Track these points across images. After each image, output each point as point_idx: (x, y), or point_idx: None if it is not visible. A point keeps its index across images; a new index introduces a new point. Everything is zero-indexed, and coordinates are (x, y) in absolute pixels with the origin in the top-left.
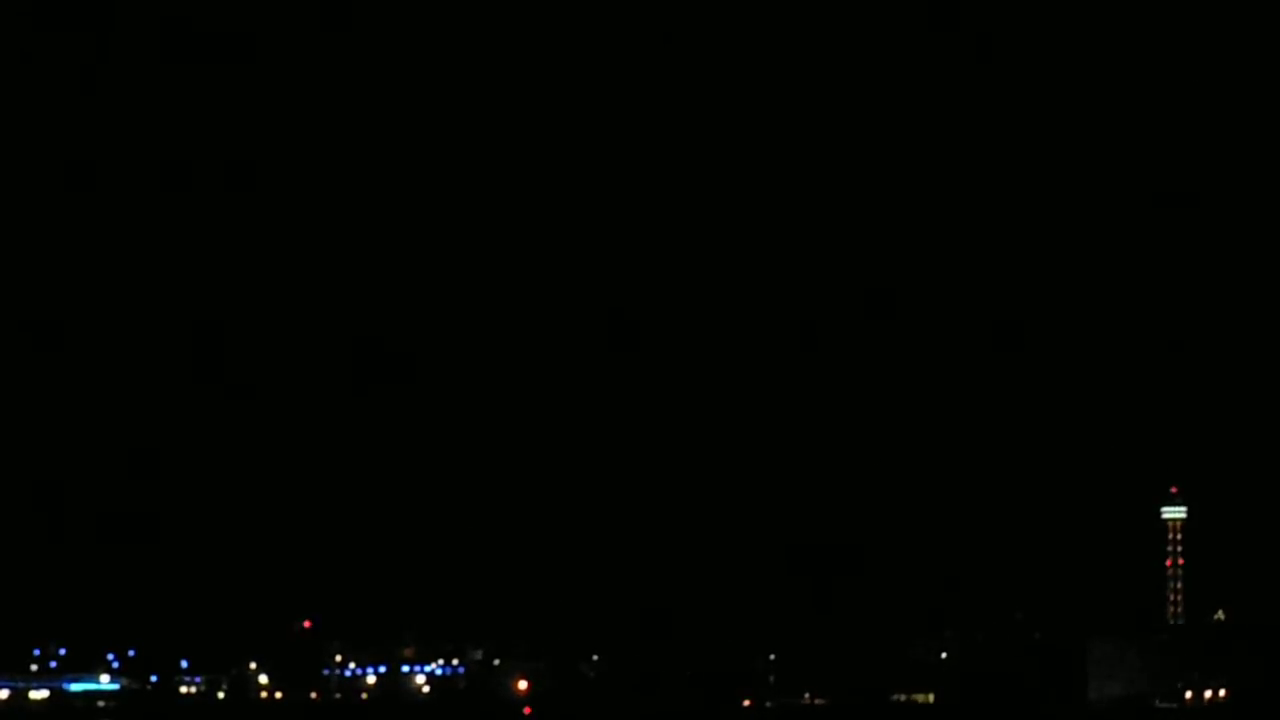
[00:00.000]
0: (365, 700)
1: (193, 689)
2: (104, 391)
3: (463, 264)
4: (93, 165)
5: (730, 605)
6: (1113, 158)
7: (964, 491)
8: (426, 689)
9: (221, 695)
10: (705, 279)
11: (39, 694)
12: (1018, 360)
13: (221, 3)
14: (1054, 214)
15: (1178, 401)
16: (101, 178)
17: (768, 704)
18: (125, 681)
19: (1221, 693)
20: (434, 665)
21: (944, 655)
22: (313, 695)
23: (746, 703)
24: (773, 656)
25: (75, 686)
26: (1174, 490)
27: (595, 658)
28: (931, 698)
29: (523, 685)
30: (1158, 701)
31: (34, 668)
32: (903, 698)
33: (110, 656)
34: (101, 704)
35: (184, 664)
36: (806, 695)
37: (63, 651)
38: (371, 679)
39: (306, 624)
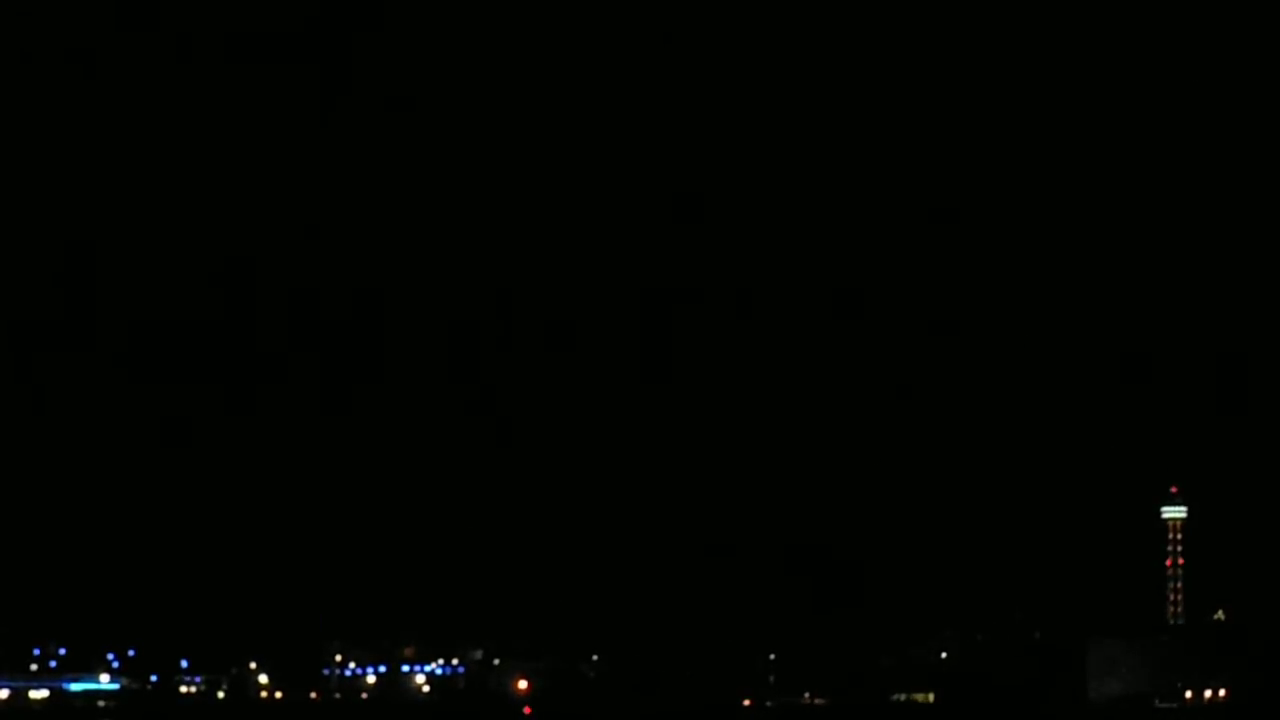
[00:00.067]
0: (365, 700)
1: (193, 689)
2: (103, 392)
3: (461, 265)
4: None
5: (730, 605)
6: (1111, 156)
7: (964, 492)
8: (426, 689)
9: (221, 695)
10: (705, 279)
11: (39, 694)
12: (1018, 360)
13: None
14: (1052, 214)
15: (1178, 401)
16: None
17: (768, 704)
18: (125, 681)
19: (1221, 693)
20: (434, 665)
21: (944, 655)
22: (313, 695)
23: (746, 703)
24: (773, 656)
25: (75, 686)
26: (1174, 490)
27: (595, 658)
28: (931, 698)
29: (523, 685)
30: (1158, 701)
31: (34, 668)
32: (903, 698)
33: (110, 656)
34: (101, 704)
35: (184, 664)
36: (806, 695)
37: (63, 651)
38: (371, 679)
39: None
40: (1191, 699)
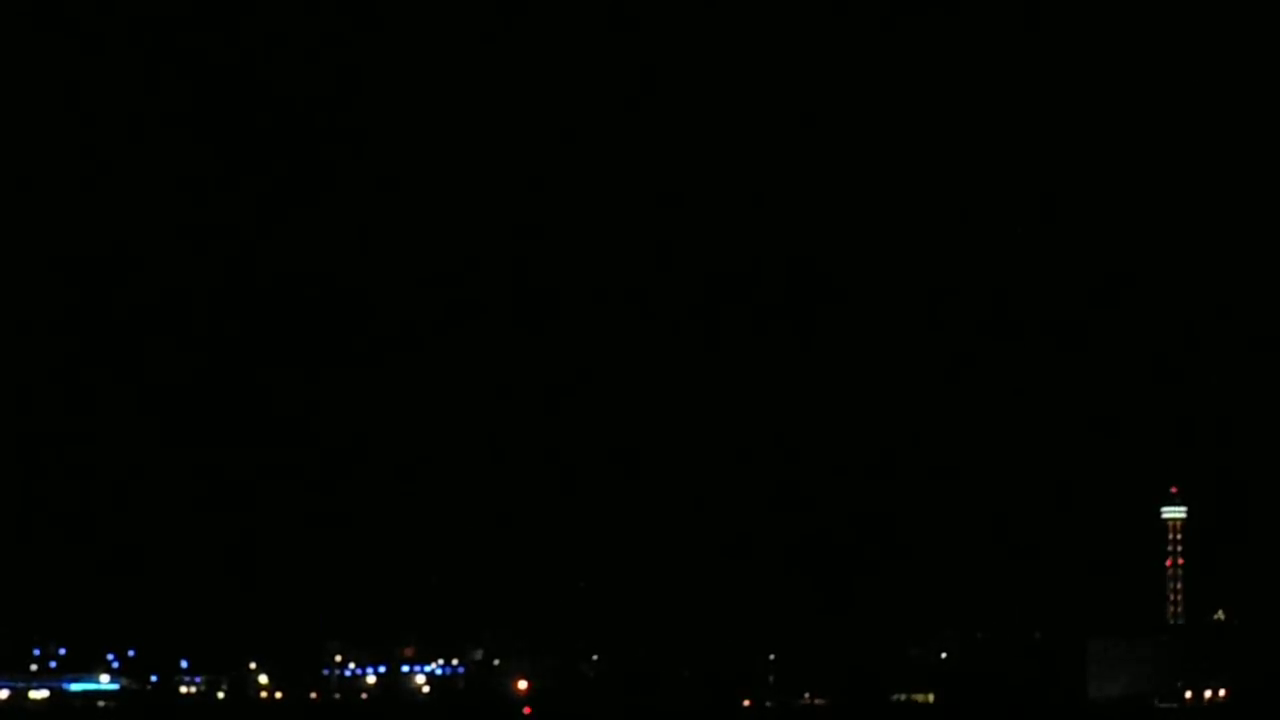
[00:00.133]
0: (365, 700)
1: (193, 689)
2: (103, 392)
3: (461, 264)
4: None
5: (730, 605)
6: (1108, 155)
7: (964, 492)
8: (426, 689)
9: (221, 695)
10: (705, 277)
11: (39, 694)
12: (1019, 360)
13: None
14: (1052, 213)
15: (1178, 401)
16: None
17: (768, 704)
18: (125, 681)
19: (1221, 693)
20: (434, 665)
21: (944, 655)
22: (313, 695)
23: (746, 703)
24: (773, 656)
25: (75, 686)
26: (1174, 490)
27: (595, 658)
28: (931, 698)
29: (523, 685)
30: (1158, 701)
31: (34, 668)
32: (903, 698)
33: (110, 656)
34: (101, 704)
35: (184, 664)
36: (806, 695)
37: (63, 651)
38: (371, 679)
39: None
40: (1191, 699)
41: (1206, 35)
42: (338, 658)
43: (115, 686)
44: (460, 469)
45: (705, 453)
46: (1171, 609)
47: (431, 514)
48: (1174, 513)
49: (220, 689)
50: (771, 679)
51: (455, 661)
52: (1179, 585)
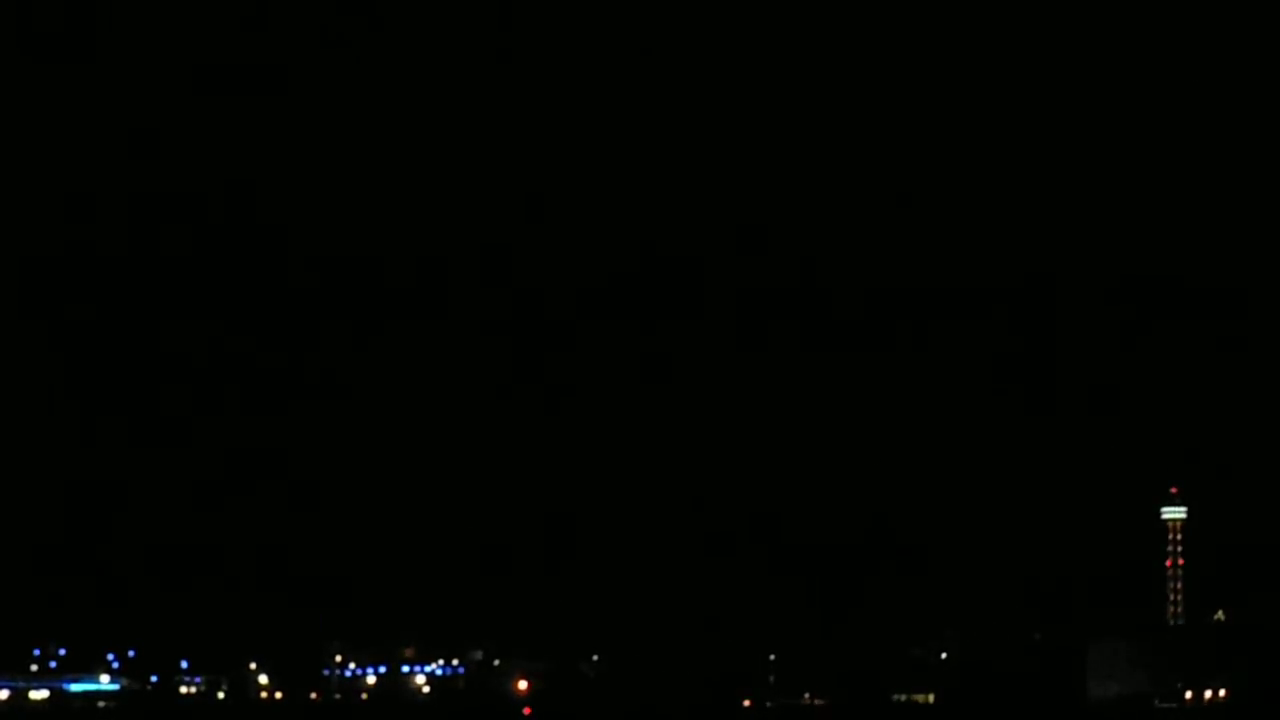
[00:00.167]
0: (365, 700)
1: (193, 689)
2: (103, 391)
3: (460, 265)
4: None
5: (730, 605)
6: (1105, 154)
7: (964, 492)
8: (426, 689)
9: (221, 695)
10: (705, 275)
11: (39, 694)
12: (1018, 360)
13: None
14: (1051, 213)
15: (1177, 402)
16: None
17: (768, 704)
18: (125, 681)
19: (1221, 693)
20: (434, 665)
21: (944, 655)
22: (313, 695)
23: (746, 703)
24: (773, 656)
25: (75, 686)
26: (1174, 490)
27: (595, 658)
28: (931, 698)
29: (523, 685)
30: (1158, 701)
31: (34, 668)
32: (903, 698)
33: (110, 656)
34: (101, 704)
35: (184, 664)
36: (806, 695)
37: (63, 651)
38: (371, 679)
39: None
40: (1191, 699)
41: (1206, 35)
42: (338, 658)
43: (115, 686)
44: (460, 469)
45: (705, 453)
46: (1171, 609)
47: (432, 514)
48: (1174, 513)
49: (220, 689)
50: (771, 679)
51: (455, 661)
52: (1179, 585)
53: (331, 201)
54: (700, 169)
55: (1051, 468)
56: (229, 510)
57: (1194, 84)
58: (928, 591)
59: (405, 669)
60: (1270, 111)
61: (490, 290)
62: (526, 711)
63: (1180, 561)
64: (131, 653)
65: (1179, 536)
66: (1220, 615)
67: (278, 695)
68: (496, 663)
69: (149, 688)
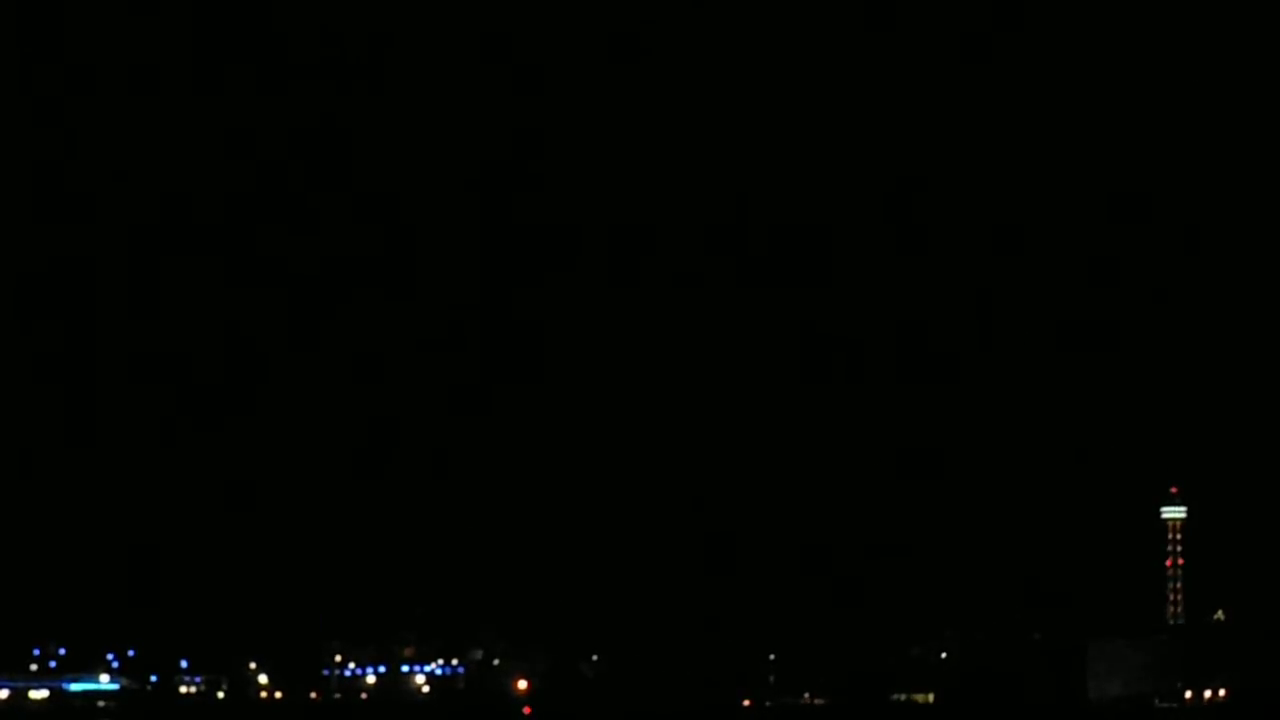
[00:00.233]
0: (365, 700)
1: (193, 689)
2: (103, 392)
3: (459, 265)
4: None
5: (730, 605)
6: (1108, 151)
7: (964, 492)
8: (426, 689)
9: (221, 695)
10: (703, 279)
11: (39, 694)
12: (1018, 360)
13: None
14: (1051, 212)
15: (1177, 402)
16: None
17: (768, 704)
18: (125, 681)
19: (1221, 693)
20: (434, 665)
21: (944, 655)
22: (313, 695)
23: (746, 703)
24: (773, 656)
25: (75, 686)
26: (1174, 490)
27: (595, 658)
28: (931, 698)
29: (523, 685)
30: (1158, 701)
31: (34, 668)
32: (903, 698)
33: (110, 656)
34: (101, 704)
35: (184, 664)
36: (806, 695)
37: (63, 651)
38: (371, 679)
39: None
40: (1191, 699)
41: (1205, 35)
42: (338, 658)
43: (115, 686)
44: (460, 469)
45: (705, 453)
46: (1171, 609)
47: (431, 514)
48: (1174, 513)
49: (220, 689)
50: (771, 679)
51: (455, 661)
52: (1179, 585)
53: (333, 201)
54: (700, 168)
55: (1052, 467)
56: (229, 510)
57: (1193, 85)
58: (928, 591)
59: (405, 669)
60: (1270, 112)
61: (491, 289)
62: (526, 711)
63: (1180, 561)
64: (131, 653)
65: (1179, 536)
66: (1220, 615)
67: (277, 695)
68: (496, 663)
69: (149, 688)
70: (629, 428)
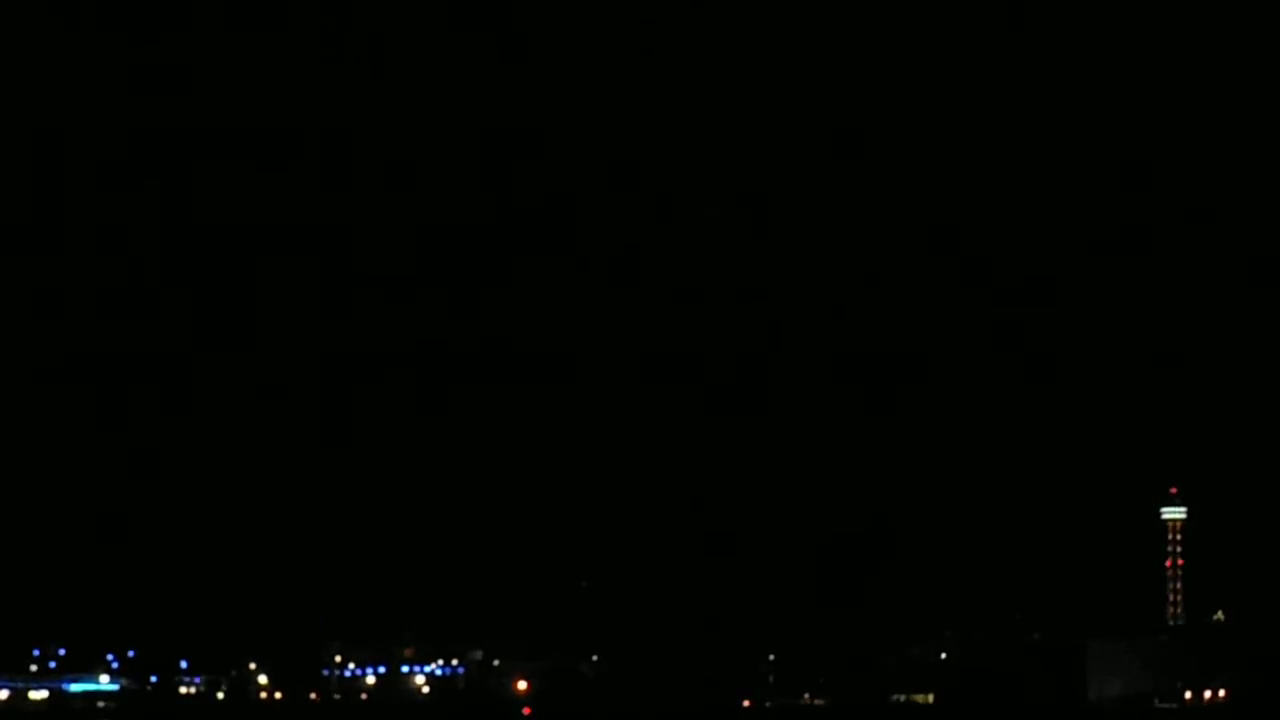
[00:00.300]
0: (365, 700)
1: (193, 689)
2: (102, 391)
3: (459, 267)
4: None
5: (730, 604)
6: (1108, 150)
7: (964, 492)
8: (426, 689)
9: (221, 695)
10: (707, 272)
11: (39, 694)
12: (1019, 361)
13: None
14: (1051, 213)
15: (1177, 402)
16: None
17: (768, 704)
18: (125, 681)
19: (1221, 693)
20: (434, 665)
21: (944, 655)
22: (313, 695)
23: (746, 703)
24: (773, 657)
25: (75, 686)
26: (1174, 490)
27: (595, 658)
28: (931, 698)
29: (523, 685)
30: (1158, 701)
31: (34, 668)
32: (903, 698)
33: (110, 656)
34: (101, 704)
35: (184, 664)
36: (806, 695)
37: (63, 651)
38: (371, 679)
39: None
40: (1191, 699)
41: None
42: (338, 658)
43: (115, 686)
44: (460, 468)
45: (705, 453)
46: (1171, 609)
47: (431, 514)
48: (1174, 513)
49: (220, 689)
50: (771, 679)
51: (455, 661)
52: (1179, 585)
53: (330, 200)
54: (698, 169)
55: (1052, 468)
56: (229, 510)
57: (1195, 84)
58: (928, 591)
59: (405, 669)
60: (1270, 112)
61: (491, 289)
62: (526, 711)
63: (1180, 561)
64: (131, 653)
65: (1179, 536)
66: (1220, 615)
67: (277, 695)
68: (496, 663)
69: (149, 688)
70: (629, 428)
